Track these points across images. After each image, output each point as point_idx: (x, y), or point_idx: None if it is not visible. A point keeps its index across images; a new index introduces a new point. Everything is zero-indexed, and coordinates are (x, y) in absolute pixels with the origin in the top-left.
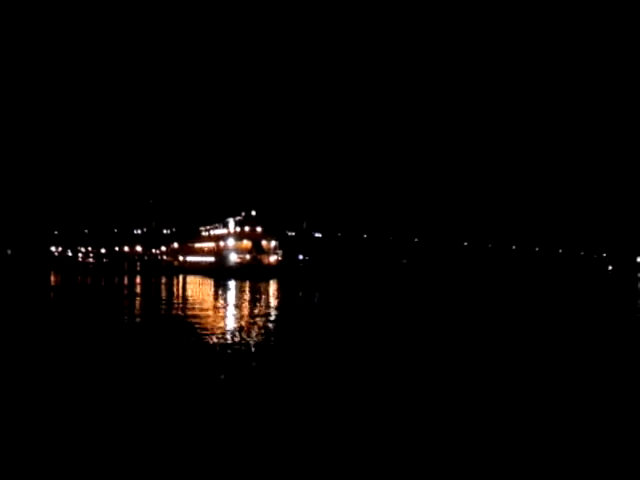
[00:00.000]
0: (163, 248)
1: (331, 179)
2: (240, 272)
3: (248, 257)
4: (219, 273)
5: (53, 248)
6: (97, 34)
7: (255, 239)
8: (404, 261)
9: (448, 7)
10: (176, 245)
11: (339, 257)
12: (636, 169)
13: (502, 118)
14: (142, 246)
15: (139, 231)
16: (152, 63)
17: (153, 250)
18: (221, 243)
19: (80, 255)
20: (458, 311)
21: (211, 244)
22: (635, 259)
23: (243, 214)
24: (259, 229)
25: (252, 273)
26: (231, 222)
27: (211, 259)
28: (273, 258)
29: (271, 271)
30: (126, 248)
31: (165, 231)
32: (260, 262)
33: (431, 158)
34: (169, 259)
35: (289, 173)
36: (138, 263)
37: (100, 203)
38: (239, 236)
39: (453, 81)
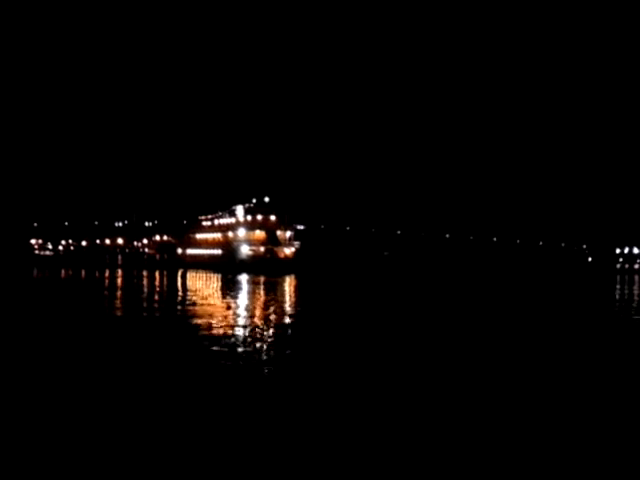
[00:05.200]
0: (145, 241)
1: (313, 171)
2: (253, 266)
3: (262, 249)
4: (228, 267)
5: (33, 241)
6: (86, 25)
7: (269, 229)
8: (386, 253)
9: (448, 7)
10: (158, 238)
11: (322, 249)
12: (615, 162)
13: (481, 110)
14: (124, 239)
15: (120, 223)
16: (137, 48)
17: (135, 243)
18: (230, 234)
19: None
20: (443, 304)
21: (217, 235)
22: (614, 250)
23: (254, 201)
24: (273, 218)
25: (267, 267)
26: (240, 210)
27: (217, 252)
28: (289, 250)
29: (288, 265)
30: (107, 241)
31: (147, 223)
32: (275, 255)
33: (413, 151)
34: (151, 252)
35: (272, 165)
36: (119, 256)
37: (81, 194)
38: (251, 225)
39: (437, 72)
